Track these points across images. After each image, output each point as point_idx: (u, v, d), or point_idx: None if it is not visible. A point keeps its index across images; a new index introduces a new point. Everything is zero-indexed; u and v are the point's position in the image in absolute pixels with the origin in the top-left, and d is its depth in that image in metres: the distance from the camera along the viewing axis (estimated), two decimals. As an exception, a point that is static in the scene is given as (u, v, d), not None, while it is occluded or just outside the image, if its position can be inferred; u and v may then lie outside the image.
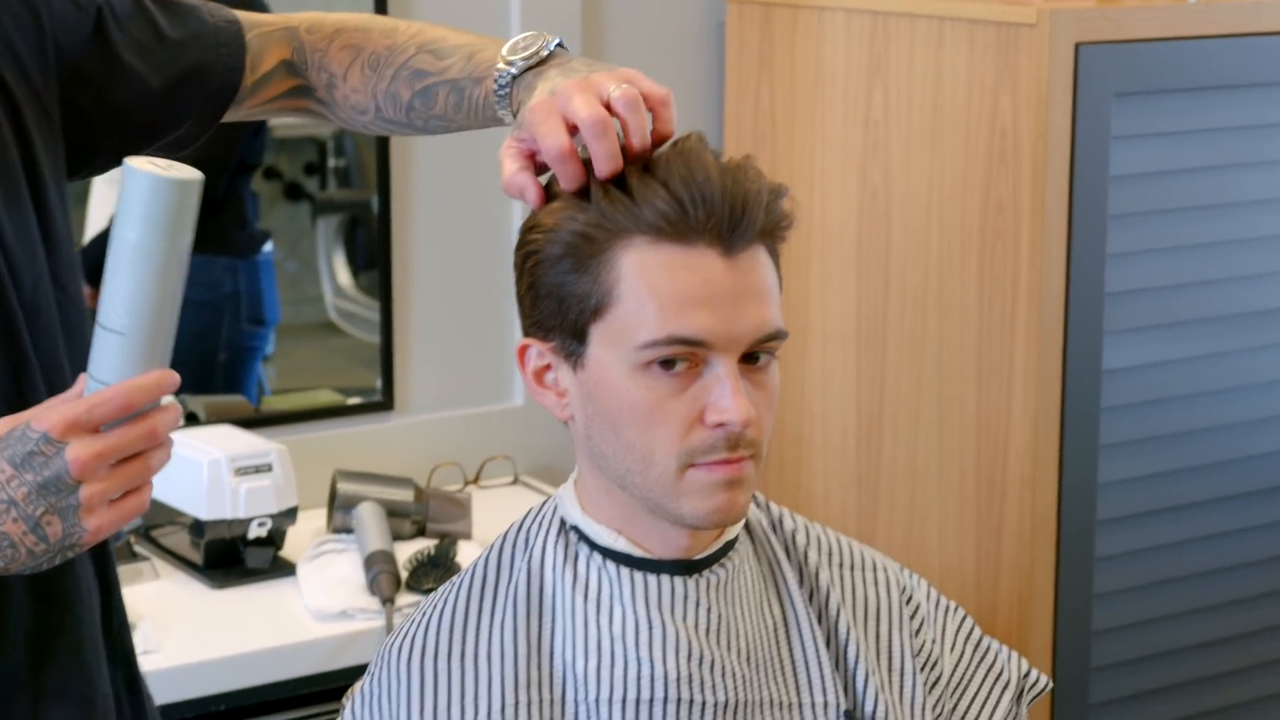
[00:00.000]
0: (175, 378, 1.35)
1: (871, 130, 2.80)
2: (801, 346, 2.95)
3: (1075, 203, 2.58)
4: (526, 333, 1.52)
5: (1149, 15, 2.63)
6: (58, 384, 1.50)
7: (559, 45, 1.58)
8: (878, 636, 1.60)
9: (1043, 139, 2.55)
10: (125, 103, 1.65)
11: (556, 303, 1.47)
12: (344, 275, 3.19)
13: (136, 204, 1.31)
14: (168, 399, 1.36)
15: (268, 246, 3.08)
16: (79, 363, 1.47)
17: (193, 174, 1.33)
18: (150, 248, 1.32)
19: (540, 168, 1.48)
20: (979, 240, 2.65)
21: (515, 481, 3.02)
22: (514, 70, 1.56)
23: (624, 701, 1.49)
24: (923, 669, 1.61)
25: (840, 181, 2.86)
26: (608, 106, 1.44)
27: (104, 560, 1.64)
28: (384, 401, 2.98)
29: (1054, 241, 2.57)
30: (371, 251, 3.07)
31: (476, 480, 3.00)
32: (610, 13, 3.06)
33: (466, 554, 2.63)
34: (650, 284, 1.43)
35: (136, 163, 1.32)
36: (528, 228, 1.49)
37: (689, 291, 1.43)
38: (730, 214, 1.44)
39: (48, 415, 1.32)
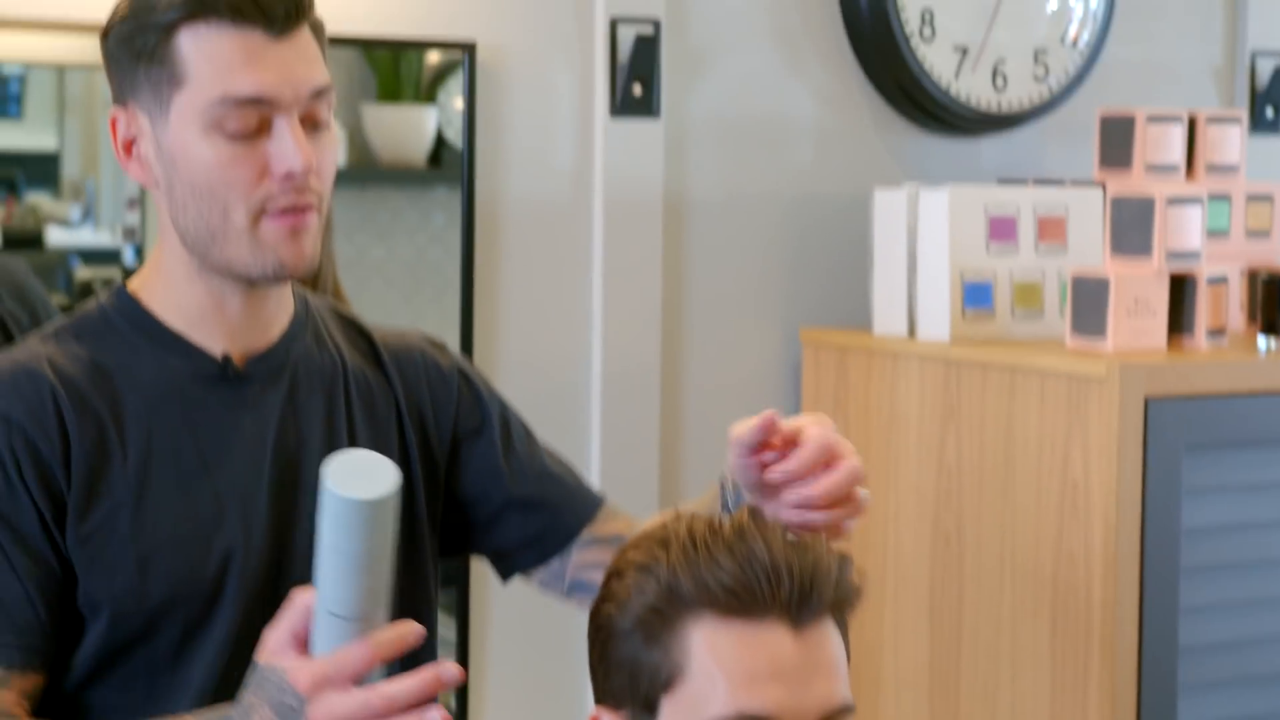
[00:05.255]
0: (419, 630, 1.46)
1: (945, 476, 2.83)
2: (874, 695, 2.93)
3: (1147, 556, 2.58)
4: (598, 700, 1.54)
5: (1218, 369, 2.67)
6: None
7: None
8: None
9: (1113, 491, 2.57)
10: (473, 497, 1.84)
11: (628, 675, 1.49)
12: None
13: (331, 514, 1.43)
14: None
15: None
16: None
17: (386, 488, 1.43)
18: (350, 550, 1.43)
19: None
20: (1051, 591, 2.65)
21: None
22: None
23: None
24: None
25: (914, 526, 2.88)
26: None
27: None
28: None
29: (1126, 595, 2.57)
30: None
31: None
32: (688, 353, 3.13)
33: None
34: (719, 660, 1.45)
35: (334, 472, 1.43)
36: (600, 599, 1.52)
37: (757, 668, 1.45)
38: (799, 589, 1.47)
39: (301, 671, 1.45)
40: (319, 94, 1.63)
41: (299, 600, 1.48)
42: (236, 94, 1.59)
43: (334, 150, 1.68)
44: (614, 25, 2.98)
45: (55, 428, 1.60)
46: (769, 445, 1.64)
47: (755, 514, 1.52)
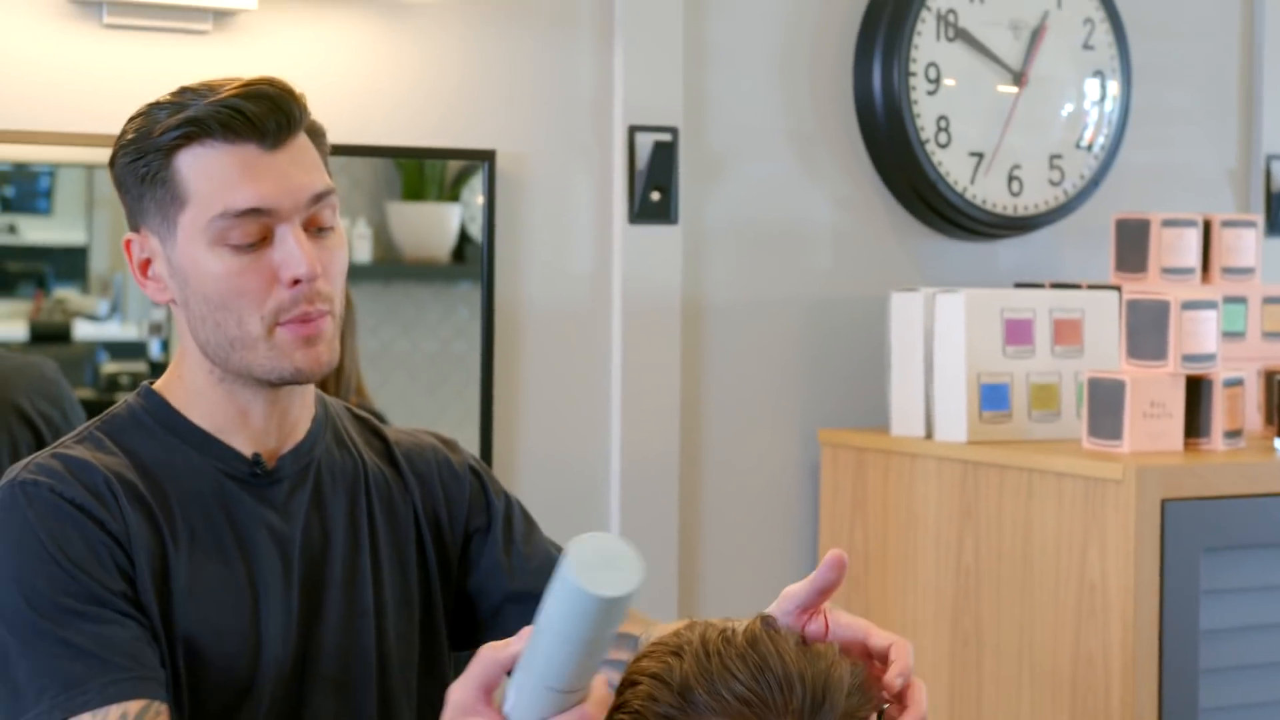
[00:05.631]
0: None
1: (963, 576, 2.85)
2: (894, 793, 2.93)
3: (1165, 657, 2.59)
4: (611, 814, 1.54)
5: (1234, 471, 2.68)
6: None
7: None
8: None
9: (1131, 593, 2.57)
10: (478, 592, 1.87)
11: (641, 782, 1.50)
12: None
13: (568, 603, 1.37)
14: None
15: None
16: None
17: (631, 584, 1.36)
18: (582, 638, 1.38)
19: None
20: (1070, 692, 2.65)
21: None
22: None
23: None
24: None
25: (932, 626, 2.89)
26: None
27: None
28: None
29: (1145, 696, 2.57)
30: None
31: None
32: (707, 454, 3.15)
33: None
34: (733, 768, 1.46)
35: (576, 559, 1.36)
36: (614, 708, 1.54)
37: (770, 777, 1.46)
38: (811, 698, 1.48)
39: None
40: (319, 198, 1.68)
41: (486, 655, 1.45)
42: (236, 207, 1.64)
43: (342, 252, 1.72)
44: (632, 133, 3.03)
45: (117, 511, 1.64)
46: (817, 609, 1.60)
47: (768, 622, 1.53)
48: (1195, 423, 2.81)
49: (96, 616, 1.60)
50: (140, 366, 2.90)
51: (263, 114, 1.65)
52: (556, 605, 1.40)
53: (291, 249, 1.65)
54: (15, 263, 2.94)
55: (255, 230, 1.65)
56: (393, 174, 3.02)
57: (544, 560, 1.89)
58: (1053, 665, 2.68)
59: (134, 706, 1.57)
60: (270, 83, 1.67)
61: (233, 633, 1.67)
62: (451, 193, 3.03)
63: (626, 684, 1.54)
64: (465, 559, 1.87)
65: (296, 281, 1.65)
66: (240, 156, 1.65)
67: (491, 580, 1.87)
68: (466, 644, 1.90)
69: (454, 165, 3.02)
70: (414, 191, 3.03)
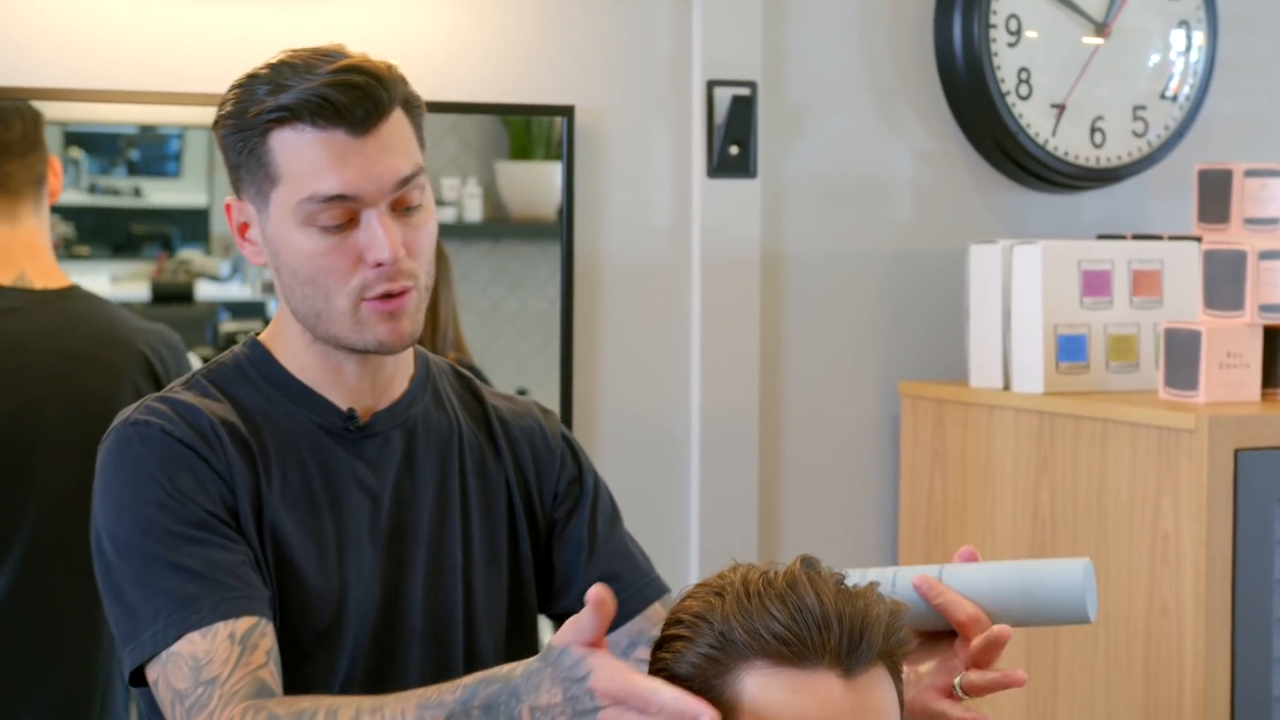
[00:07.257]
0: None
1: (1039, 527, 2.86)
2: (969, 741, 2.95)
3: (1238, 606, 2.59)
4: (652, 748, 1.59)
5: (1311, 422, 2.68)
6: None
7: None
8: None
9: (1204, 543, 2.58)
10: (557, 564, 1.92)
11: (684, 721, 1.54)
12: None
13: (1056, 596, 1.76)
14: None
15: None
16: None
17: (1093, 612, 1.75)
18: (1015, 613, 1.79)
19: None
20: (1144, 642, 2.66)
21: None
22: None
23: None
24: None
25: (1008, 577, 2.91)
26: None
27: None
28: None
29: (1218, 645, 2.58)
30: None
31: None
32: (787, 406, 3.18)
33: None
34: (771, 707, 1.50)
35: (1086, 579, 1.75)
36: (656, 645, 1.58)
37: (808, 715, 1.49)
38: (849, 638, 1.51)
39: (609, 680, 1.43)
40: (406, 181, 1.72)
41: (599, 598, 1.45)
42: (322, 193, 1.69)
43: (429, 226, 1.77)
44: (710, 87, 3.05)
45: (220, 451, 1.73)
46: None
47: (809, 563, 1.57)
48: (1273, 373, 2.80)
49: (205, 541, 1.68)
50: (257, 325, 2.99)
51: (350, 103, 1.69)
52: (1042, 591, 1.75)
53: (376, 234, 1.70)
54: (140, 225, 3.03)
55: (341, 214, 1.70)
56: (501, 133, 3.07)
57: (621, 546, 1.93)
58: (1126, 614, 2.69)
59: (242, 625, 1.65)
60: (361, 69, 1.71)
61: (315, 577, 1.73)
62: (558, 151, 3.07)
63: (670, 623, 1.58)
64: (551, 531, 1.91)
65: (379, 265, 1.71)
66: (329, 143, 1.69)
67: (571, 557, 1.91)
68: (539, 610, 1.95)
69: (560, 124, 3.05)
70: (521, 150, 3.07)
